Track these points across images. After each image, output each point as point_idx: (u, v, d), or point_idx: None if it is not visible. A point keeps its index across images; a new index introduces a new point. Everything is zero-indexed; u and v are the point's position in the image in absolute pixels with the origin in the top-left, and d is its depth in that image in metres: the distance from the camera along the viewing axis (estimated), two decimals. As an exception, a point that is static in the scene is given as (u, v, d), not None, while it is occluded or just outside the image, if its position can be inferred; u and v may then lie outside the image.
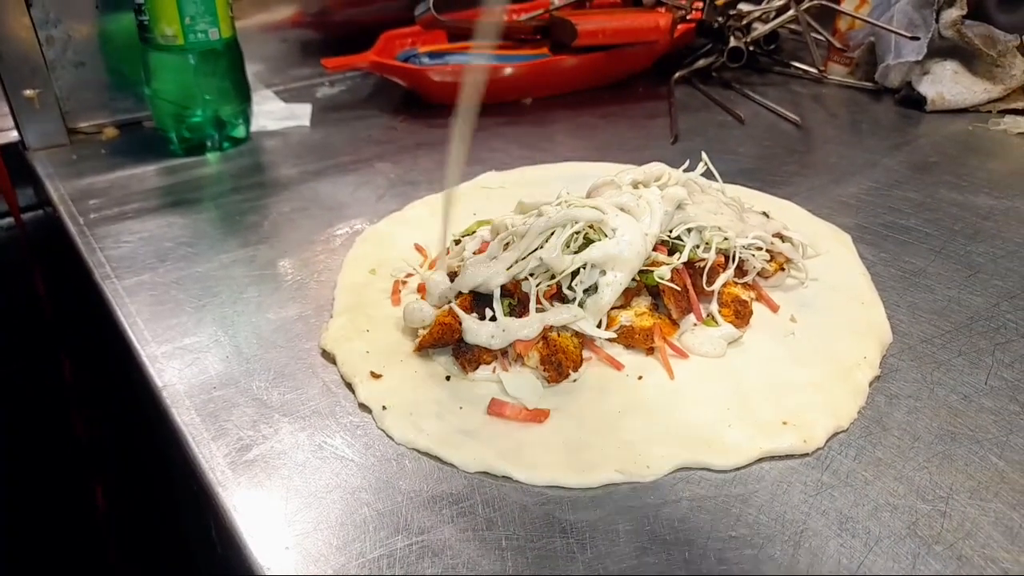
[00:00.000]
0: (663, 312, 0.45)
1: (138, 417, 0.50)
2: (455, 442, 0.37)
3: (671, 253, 0.45)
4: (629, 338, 0.43)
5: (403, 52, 0.88)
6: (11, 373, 0.80)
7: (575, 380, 0.41)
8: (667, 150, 0.73)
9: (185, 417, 0.39)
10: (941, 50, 0.79)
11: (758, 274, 0.48)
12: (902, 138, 0.74)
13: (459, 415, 0.39)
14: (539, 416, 0.39)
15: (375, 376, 0.41)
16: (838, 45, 0.88)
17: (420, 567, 0.31)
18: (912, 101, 0.80)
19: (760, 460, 0.36)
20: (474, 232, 0.49)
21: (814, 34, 0.87)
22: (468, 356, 0.41)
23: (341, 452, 0.37)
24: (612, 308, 0.43)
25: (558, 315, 0.41)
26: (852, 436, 0.38)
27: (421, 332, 0.43)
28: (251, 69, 0.76)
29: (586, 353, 0.43)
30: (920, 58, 0.78)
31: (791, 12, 0.87)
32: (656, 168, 0.49)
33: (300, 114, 0.83)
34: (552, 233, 0.43)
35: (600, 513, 0.34)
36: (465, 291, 0.43)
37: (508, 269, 0.42)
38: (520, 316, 0.42)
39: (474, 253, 0.46)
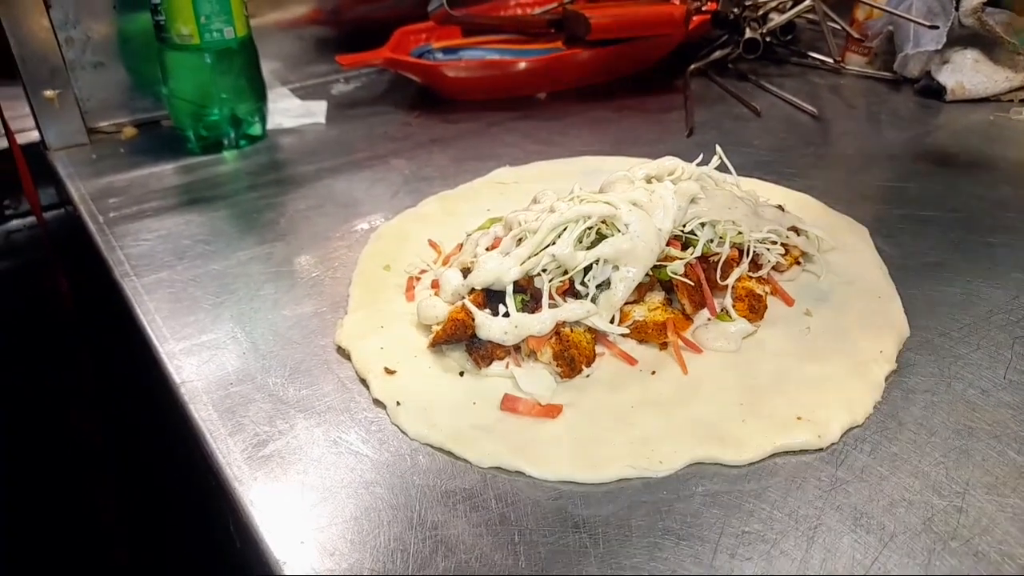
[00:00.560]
0: (677, 307, 0.45)
1: (152, 415, 0.50)
2: (468, 437, 0.37)
3: (685, 247, 0.45)
4: (642, 333, 0.43)
5: (417, 48, 0.88)
6: (31, 371, 0.81)
7: (588, 375, 0.41)
8: (682, 143, 0.72)
9: (203, 413, 0.40)
10: (961, 38, 0.78)
11: (773, 268, 0.48)
12: (921, 129, 0.73)
13: (472, 411, 0.39)
14: (552, 411, 0.39)
15: (389, 372, 0.42)
16: (856, 35, 0.87)
17: (433, 561, 0.32)
18: (931, 91, 0.79)
19: (774, 455, 0.36)
20: (488, 228, 0.49)
21: (831, 24, 0.86)
22: (481, 352, 0.42)
23: (356, 447, 0.38)
24: (625, 303, 0.43)
25: (571, 311, 0.41)
26: (867, 431, 0.37)
27: (435, 328, 0.43)
28: (267, 67, 0.77)
29: (599, 348, 0.43)
30: (940, 47, 0.77)
31: (808, 2, 0.86)
32: (669, 162, 0.49)
33: (316, 111, 0.83)
34: (565, 229, 0.43)
35: (613, 508, 0.34)
36: (478, 287, 0.43)
37: (521, 265, 0.42)
38: (533, 312, 0.42)
39: (487, 249, 0.46)
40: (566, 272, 0.42)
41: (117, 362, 0.73)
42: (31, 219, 0.78)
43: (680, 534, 0.32)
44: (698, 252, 0.44)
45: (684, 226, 0.45)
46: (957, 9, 0.76)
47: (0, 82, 0.75)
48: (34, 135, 0.76)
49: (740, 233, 0.46)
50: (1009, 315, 0.45)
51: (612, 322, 0.43)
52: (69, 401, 0.82)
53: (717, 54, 0.91)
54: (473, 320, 0.42)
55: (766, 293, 0.46)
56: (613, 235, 0.43)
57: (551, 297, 0.42)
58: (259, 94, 0.74)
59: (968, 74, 0.77)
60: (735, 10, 0.90)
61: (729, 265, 0.45)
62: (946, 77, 0.78)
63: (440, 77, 0.83)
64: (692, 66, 0.89)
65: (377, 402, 0.40)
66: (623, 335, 0.43)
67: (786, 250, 0.48)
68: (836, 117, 0.77)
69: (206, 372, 0.43)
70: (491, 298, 0.43)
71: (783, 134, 0.73)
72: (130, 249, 0.56)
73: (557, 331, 0.41)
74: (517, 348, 0.42)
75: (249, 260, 0.55)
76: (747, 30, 0.89)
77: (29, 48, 0.71)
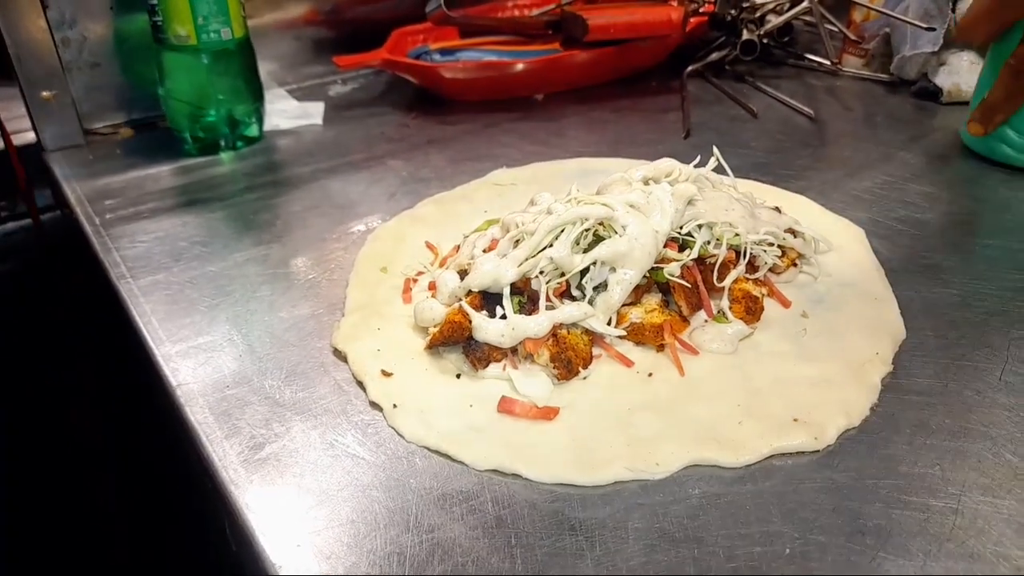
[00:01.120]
0: (673, 309, 0.45)
1: (150, 416, 0.50)
2: (465, 440, 0.37)
3: (682, 249, 0.45)
4: (639, 335, 0.43)
5: (415, 49, 0.89)
6: (27, 372, 0.81)
7: (585, 378, 0.41)
8: (680, 145, 0.72)
9: (199, 416, 0.40)
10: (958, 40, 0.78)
11: (770, 270, 0.48)
12: (918, 131, 0.73)
13: (469, 413, 0.39)
14: (549, 414, 0.39)
15: (386, 374, 0.42)
16: (853, 37, 0.87)
17: (430, 564, 0.32)
18: (928, 93, 0.80)
19: (771, 457, 0.36)
20: (485, 230, 0.49)
21: (828, 26, 0.86)
22: (478, 354, 0.42)
23: (352, 450, 0.38)
24: (622, 305, 0.43)
25: (568, 312, 0.41)
26: (864, 433, 0.37)
27: (432, 330, 0.43)
28: (264, 68, 0.76)
29: (596, 350, 0.43)
30: (936, 49, 0.77)
31: (805, 3, 0.86)
32: (666, 164, 0.49)
33: (313, 112, 0.83)
34: (562, 231, 0.43)
35: (610, 510, 0.34)
36: (475, 289, 0.43)
37: (518, 267, 0.42)
38: (530, 314, 0.42)
39: (484, 251, 0.46)
40: (563, 274, 0.42)
41: (115, 363, 0.73)
42: (27, 221, 0.77)
43: (677, 536, 0.32)
44: (695, 254, 0.44)
45: (681, 228, 0.45)
46: (953, 11, 0.76)
47: (-4, 83, 0.75)
48: (30, 136, 0.76)
49: (737, 235, 0.46)
50: (1004, 317, 0.45)
51: (609, 324, 0.43)
52: (69, 400, 0.82)
53: (714, 56, 0.91)
54: (470, 322, 0.42)
55: (763, 295, 0.46)
56: (610, 237, 0.43)
57: (548, 299, 0.42)
58: (256, 95, 0.74)
59: (964, 76, 0.77)
60: (732, 12, 0.90)
61: (726, 267, 0.45)
62: (942, 79, 0.78)
63: (438, 78, 0.83)
64: (689, 68, 0.89)
65: (374, 404, 0.40)
66: (620, 337, 0.43)
67: (783, 252, 0.48)
68: (833, 119, 0.77)
69: (202, 374, 0.43)
70: (488, 300, 0.43)
71: (780, 136, 0.73)
72: (126, 251, 0.56)
73: (554, 333, 0.41)
74: (514, 350, 0.42)
75: (246, 262, 0.55)
76: (744, 32, 0.89)
77: (25, 49, 0.71)
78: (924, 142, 0.70)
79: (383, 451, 0.38)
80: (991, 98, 0.61)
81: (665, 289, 0.45)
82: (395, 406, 0.40)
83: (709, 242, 0.45)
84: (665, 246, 0.44)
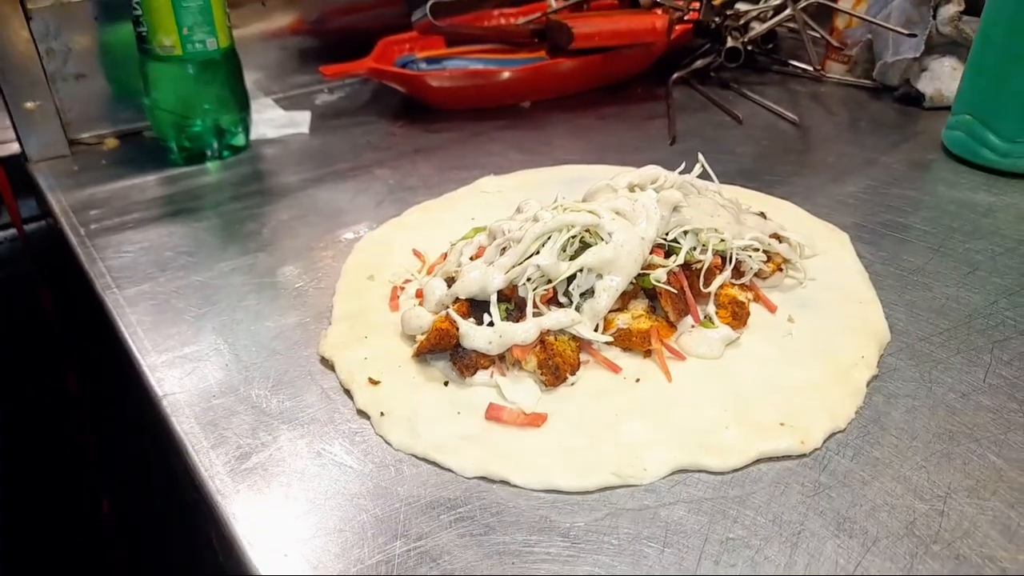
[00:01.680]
0: (660, 314, 0.45)
1: (140, 424, 0.50)
2: (453, 447, 0.37)
3: (668, 255, 0.45)
4: (626, 341, 0.43)
5: (401, 58, 0.89)
6: (16, 382, 0.80)
7: (572, 384, 0.42)
8: (665, 151, 0.73)
9: (185, 426, 0.40)
10: (939, 46, 0.79)
11: (756, 275, 0.48)
12: (901, 136, 0.74)
13: (457, 420, 0.39)
14: (536, 420, 0.39)
15: (373, 382, 0.41)
16: (836, 43, 0.88)
17: (419, 573, 0.31)
18: (911, 98, 0.80)
19: (758, 461, 0.36)
20: (472, 238, 0.50)
21: (811, 32, 0.87)
22: (466, 361, 0.42)
23: (340, 459, 0.37)
24: (609, 311, 0.43)
25: (555, 319, 0.42)
26: (850, 436, 0.38)
27: (419, 338, 0.43)
28: (250, 77, 0.76)
29: (583, 356, 0.43)
30: (918, 55, 0.78)
31: (788, 11, 0.87)
32: (652, 171, 0.49)
33: (299, 121, 0.83)
34: (549, 238, 0.43)
35: (597, 516, 0.34)
36: (462, 296, 0.43)
37: (505, 274, 0.42)
38: (517, 321, 0.42)
39: (471, 258, 0.46)
40: (550, 281, 0.43)
41: (102, 373, 0.72)
42: (12, 231, 0.77)
43: (665, 541, 0.33)
44: (681, 260, 0.44)
45: (667, 234, 0.46)
46: (935, 18, 0.77)
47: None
48: (14, 147, 0.75)
49: (723, 240, 0.46)
50: (988, 320, 0.46)
51: (596, 330, 0.43)
52: (62, 404, 0.82)
53: (699, 63, 0.92)
54: (457, 330, 0.42)
55: (749, 300, 0.46)
56: (597, 244, 0.43)
57: (535, 306, 0.42)
58: (242, 105, 0.74)
59: (946, 81, 0.78)
60: (717, 19, 0.91)
61: (712, 272, 0.45)
62: (925, 84, 0.79)
63: (424, 87, 0.83)
64: (674, 75, 0.89)
65: (361, 413, 0.40)
66: (607, 343, 0.43)
67: (768, 257, 0.49)
68: (817, 124, 0.78)
69: (188, 384, 0.43)
70: (475, 308, 0.43)
71: (765, 142, 0.74)
72: (112, 261, 0.56)
73: (541, 340, 0.41)
74: (501, 357, 0.42)
75: (232, 271, 0.54)
76: (729, 39, 0.90)
77: (9, 60, 0.71)
78: (907, 147, 0.71)
79: (371, 459, 0.37)
80: None
81: (652, 295, 0.45)
82: (383, 414, 0.39)
83: (695, 248, 0.46)
84: (651, 252, 0.45)
